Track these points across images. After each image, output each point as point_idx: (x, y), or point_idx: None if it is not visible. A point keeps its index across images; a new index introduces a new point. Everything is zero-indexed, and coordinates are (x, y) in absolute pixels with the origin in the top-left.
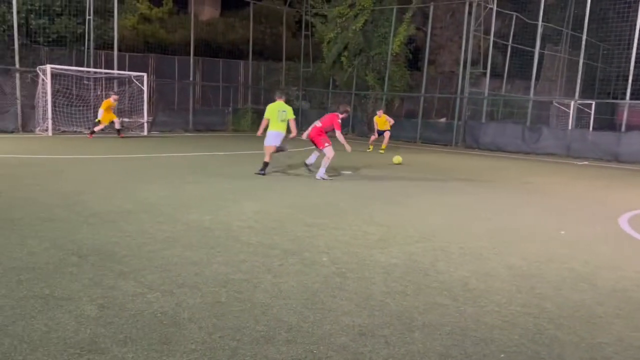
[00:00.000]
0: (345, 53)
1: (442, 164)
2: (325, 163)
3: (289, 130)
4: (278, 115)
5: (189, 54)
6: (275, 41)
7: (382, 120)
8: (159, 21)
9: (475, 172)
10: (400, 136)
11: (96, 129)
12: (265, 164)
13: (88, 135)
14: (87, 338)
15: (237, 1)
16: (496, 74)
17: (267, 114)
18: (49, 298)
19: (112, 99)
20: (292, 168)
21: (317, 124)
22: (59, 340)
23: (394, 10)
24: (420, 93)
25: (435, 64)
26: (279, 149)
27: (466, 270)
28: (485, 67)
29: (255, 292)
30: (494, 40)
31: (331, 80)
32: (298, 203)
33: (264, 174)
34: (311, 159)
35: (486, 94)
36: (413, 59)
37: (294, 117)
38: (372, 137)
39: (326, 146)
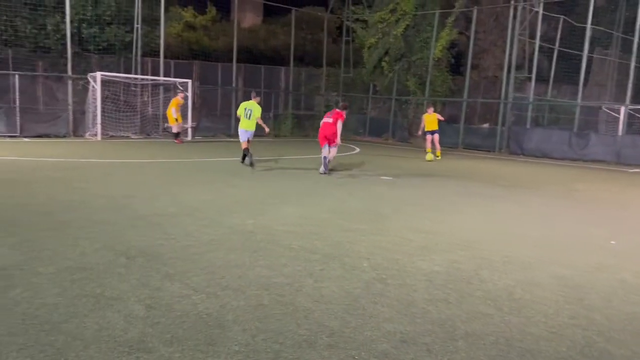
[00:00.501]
0: (386, 58)
1: (485, 170)
2: (330, 158)
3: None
4: (244, 113)
5: (232, 61)
6: (315, 47)
7: (432, 119)
8: (203, 28)
9: (520, 179)
10: (442, 142)
11: (174, 130)
12: (244, 154)
13: (176, 141)
14: (135, 337)
15: (279, 8)
16: (542, 79)
17: (238, 112)
18: (99, 297)
19: (180, 97)
20: (330, 174)
21: (328, 119)
22: (110, 339)
23: (436, 15)
24: (462, 98)
25: (478, 68)
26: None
27: (511, 279)
28: (530, 72)
29: (297, 296)
30: (539, 44)
31: (371, 86)
32: (338, 208)
33: (243, 162)
34: (323, 162)
35: (531, 99)
36: (455, 63)
37: (259, 116)
38: (428, 139)
39: (337, 144)
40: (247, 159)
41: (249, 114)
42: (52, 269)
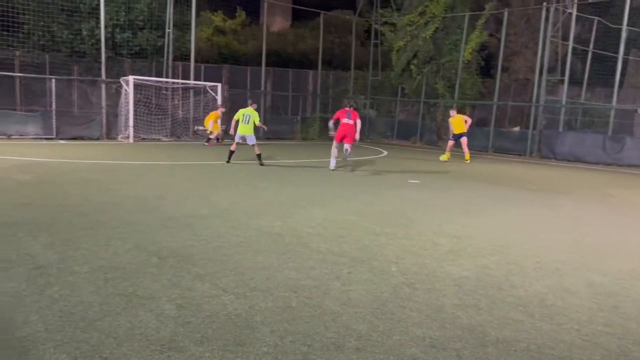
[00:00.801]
0: (415, 61)
1: (515, 174)
2: (346, 155)
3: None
4: (243, 118)
5: (261, 65)
6: (344, 50)
7: (458, 121)
8: (233, 33)
9: (552, 183)
10: (471, 145)
11: (212, 137)
12: (230, 154)
13: (206, 144)
14: (167, 336)
15: (308, 12)
16: (575, 81)
17: (236, 116)
18: (132, 297)
19: (219, 111)
20: (356, 176)
21: (349, 121)
22: (142, 337)
23: (466, 17)
24: (492, 101)
25: (508, 71)
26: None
27: (542, 285)
28: (563, 74)
29: (324, 298)
30: (573, 46)
31: (399, 89)
32: (365, 211)
33: (228, 162)
34: (345, 155)
35: (564, 102)
36: (485, 66)
37: (258, 122)
38: (450, 143)
39: (354, 142)
40: (256, 159)
41: (248, 119)
42: (87, 268)
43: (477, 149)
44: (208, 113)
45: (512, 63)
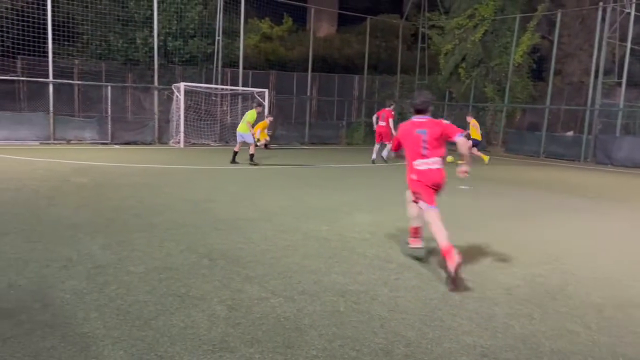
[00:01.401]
0: (463, 64)
1: (569, 181)
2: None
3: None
4: (242, 118)
5: (307, 70)
6: (390, 55)
7: (473, 128)
8: (279, 39)
9: (609, 190)
10: (522, 150)
11: (259, 144)
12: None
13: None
14: (218, 336)
15: (354, 17)
16: (633, 84)
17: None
18: (184, 297)
19: (267, 120)
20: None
21: (382, 123)
22: (194, 337)
23: (517, 19)
24: (544, 105)
25: (562, 74)
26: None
27: (600, 296)
28: (620, 77)
29: (372, 304)
30: (631, 47)
31: (447, 93)
32: None
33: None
34: (384, 153)
35: (621, 106)
36: (537, 69)
37: (248, 120)
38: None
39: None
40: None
41: (244, 119)
42: (142, 269)
43: (529, 154)
44: (256, 119)
45: (566, 66)
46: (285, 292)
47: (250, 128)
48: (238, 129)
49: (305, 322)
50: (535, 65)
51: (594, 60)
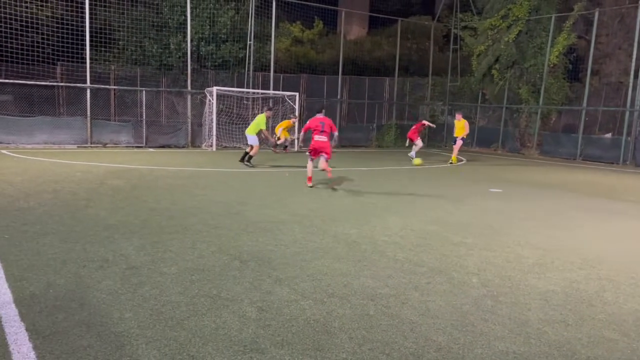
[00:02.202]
0: (497, 65)
1: (607, 184)
2: (415, 149)
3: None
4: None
5: (337, 73)
6: (421, 56)
7: (460, 125)
8: (310, 43)
9: None
10: (557, 152)
11: (279, 142)
12: (248, 155)
13: (274, 150)
14: (249, 337)
15: (384, 19)
16: None
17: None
18: (216, 298)
19: (292, 121)
20: (434, 185)
21: (413, 128)
22: (226, 338)
23: (552, 19)
24: (581, 106)
25: (599, 74)
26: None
27: (639, 302)
28: None
29: (402, 308)
30: None
31: (480, 94)
32: (444, 220)
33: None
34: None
35: None
36: (573, 69)
37: (258, 124)
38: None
39: (418, 140)
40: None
41: (253, 121)
42: (175, 270)
43: (565, 157)
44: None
45: (604, 66)
46: (314, 295)
47: (265, 130)
48: (246, 131)
49: (335, 325)
50: (571, 65)
51: (634, 60)
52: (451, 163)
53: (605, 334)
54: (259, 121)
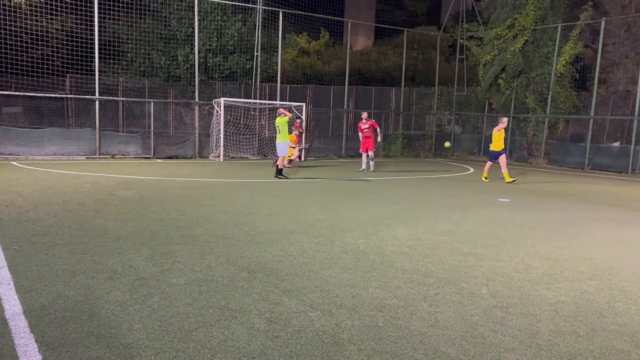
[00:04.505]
0: (503, 75)
1: (616, 193)
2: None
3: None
4: (276, 129)
5: (343, 84)
6: (427, 66)
7: (499, 137)
8: (316, 53)
9: None
10: (565, 162)
11: (292, 157)
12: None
13: (287, 165)
14: (257, 349)
15: (390, 29)
16: None
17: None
18: (224, 309)
19: (295, 134)
20: (442, 194)
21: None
22: (234, 349)
23: (559, 29)
24: (588, 115)
25: (606, 83)
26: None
27: None
28: None
29: (411, 319)
30: None
31: (486, 104)
32: (452, 230)
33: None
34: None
35: None
36: (580, 78)
37: (283, 122)
38: (488, 164)
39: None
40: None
41: (278, 129)
42: (183, 281)
43: (573, 166)
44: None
45: (611, 74)
46: (323, 306)
47: (287, 136)
48: (277, 139)
49: (344, 337)
50: (578, 74)
51: None
52: (508, 182)
53: (617, 345)
54: (280, 122)
